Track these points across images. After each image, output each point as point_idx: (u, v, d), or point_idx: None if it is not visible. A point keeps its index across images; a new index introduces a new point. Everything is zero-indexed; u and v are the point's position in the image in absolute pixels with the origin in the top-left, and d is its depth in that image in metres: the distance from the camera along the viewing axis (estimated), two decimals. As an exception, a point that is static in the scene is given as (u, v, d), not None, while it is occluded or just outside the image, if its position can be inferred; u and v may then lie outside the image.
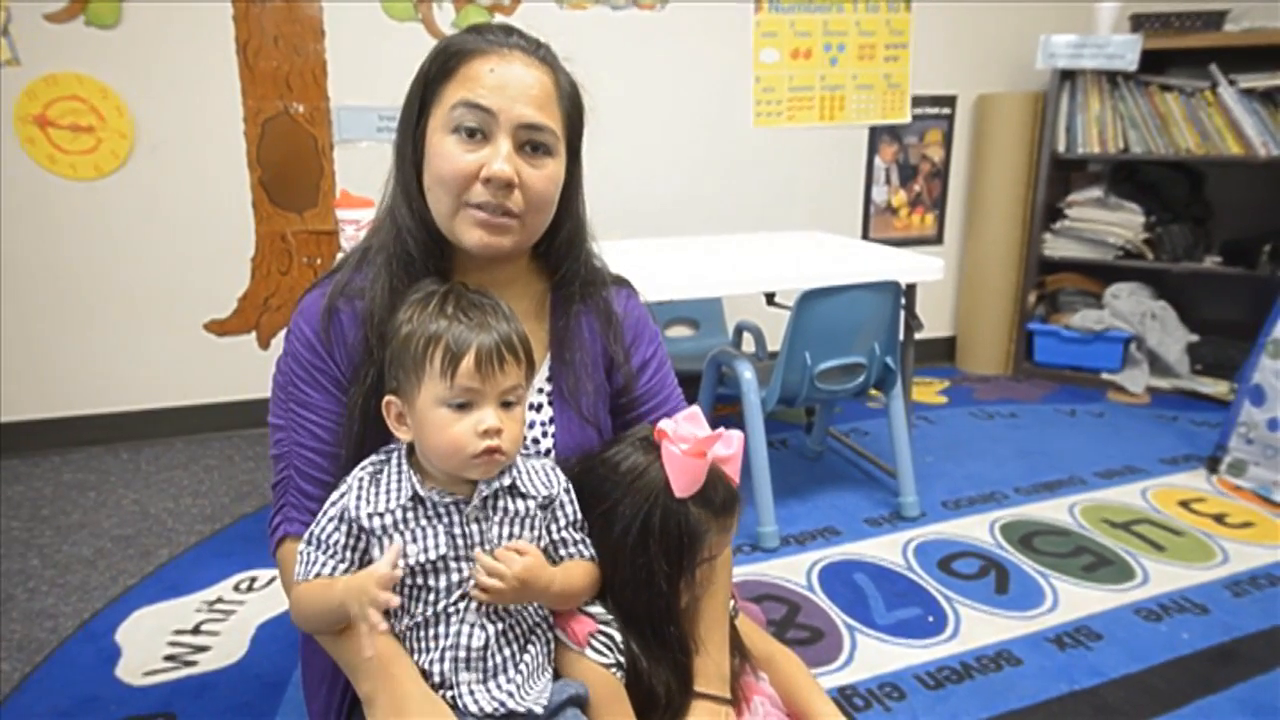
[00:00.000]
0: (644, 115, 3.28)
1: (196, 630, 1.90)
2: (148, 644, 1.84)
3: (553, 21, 3.07)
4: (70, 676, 1.73)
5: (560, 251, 1.09)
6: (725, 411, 2.95)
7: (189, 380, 2.99)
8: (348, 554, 0.91)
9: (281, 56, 2.87)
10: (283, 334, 1.10)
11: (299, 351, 1.01)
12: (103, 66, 2.70)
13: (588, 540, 1.01)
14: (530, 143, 0.97)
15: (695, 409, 1.00)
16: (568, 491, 0.99)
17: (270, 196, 2.95)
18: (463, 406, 0.88)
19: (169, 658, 1.80)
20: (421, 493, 0.90)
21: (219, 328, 3.00)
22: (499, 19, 3.00)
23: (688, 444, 0.95)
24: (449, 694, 0.92)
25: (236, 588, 2.06)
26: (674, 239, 3.05)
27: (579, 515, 1.00)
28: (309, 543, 0.92)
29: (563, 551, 0.99)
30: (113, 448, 2.93)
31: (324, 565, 0.91)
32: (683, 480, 0.96)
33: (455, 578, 0.91)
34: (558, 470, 1.00)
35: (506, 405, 0.91)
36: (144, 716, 1.61)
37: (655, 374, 1.18)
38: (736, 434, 0.99)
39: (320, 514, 0.93)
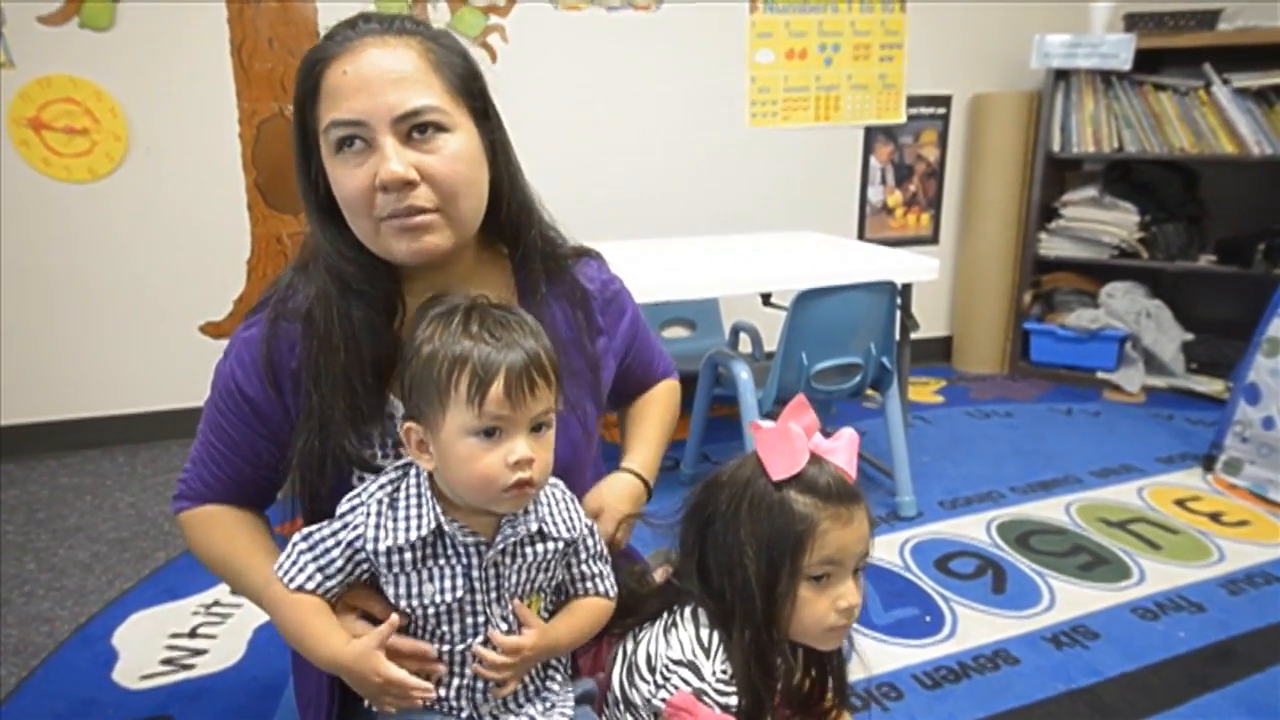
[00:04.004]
0: (639, 115, 3.28)
1: (193, 634, 1.89)
2: (145, 648, 1.84)
3: (548, 22, 3.06)
4: (67, 680, 1.72)
5: (512, 226, 1.01)
6: (722, 412, 2.95)
7: (185, 383, 2.98)
8: (341, 578, 0.87)
9: (276, 58, 2.86)
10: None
11: (234, 373, 0.97)
12: (97, 69, 2.69)
13: (606, 573, 0.97)
14: (415, 128, 0.88)
15: (800, 396, 0.93)
16: (590, 528, 0.96)
17: (266, 199, 2.95)
18: (490, 434, 0.82)
19: (166, 661, 1.79)
20: (446, 528, 0.85)
21: (215, 330, 2.99)
22: (494, 20, 3.00)
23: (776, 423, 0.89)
24: (468, 712, 0.91)
25: (233, 591, 2.06)
26: (670, 239, 3.05)
27: (601, 547, 0.97)
28: (308, 544, 0.87)
29: (581, 585, 0.97)
30: (109, 451, 2.92)
31: (311, 579, 0.87)
32: (775, 460, 0.88)
33: (470, 621, 0.88)
34: (577, 503, 0.96)
35: (536, 429, 0.85)
36: (141, 720, 1.61)
37: (634, 340, 1.19)
38: (846, 430, 0.92)
39: (327, 526, 0.87)
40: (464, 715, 0.92)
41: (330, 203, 0.94)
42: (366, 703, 0.95)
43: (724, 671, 0.89)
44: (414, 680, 0.84)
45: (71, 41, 2.65)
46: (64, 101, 2.68)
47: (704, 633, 0.92)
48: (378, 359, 0.94)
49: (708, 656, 0.90)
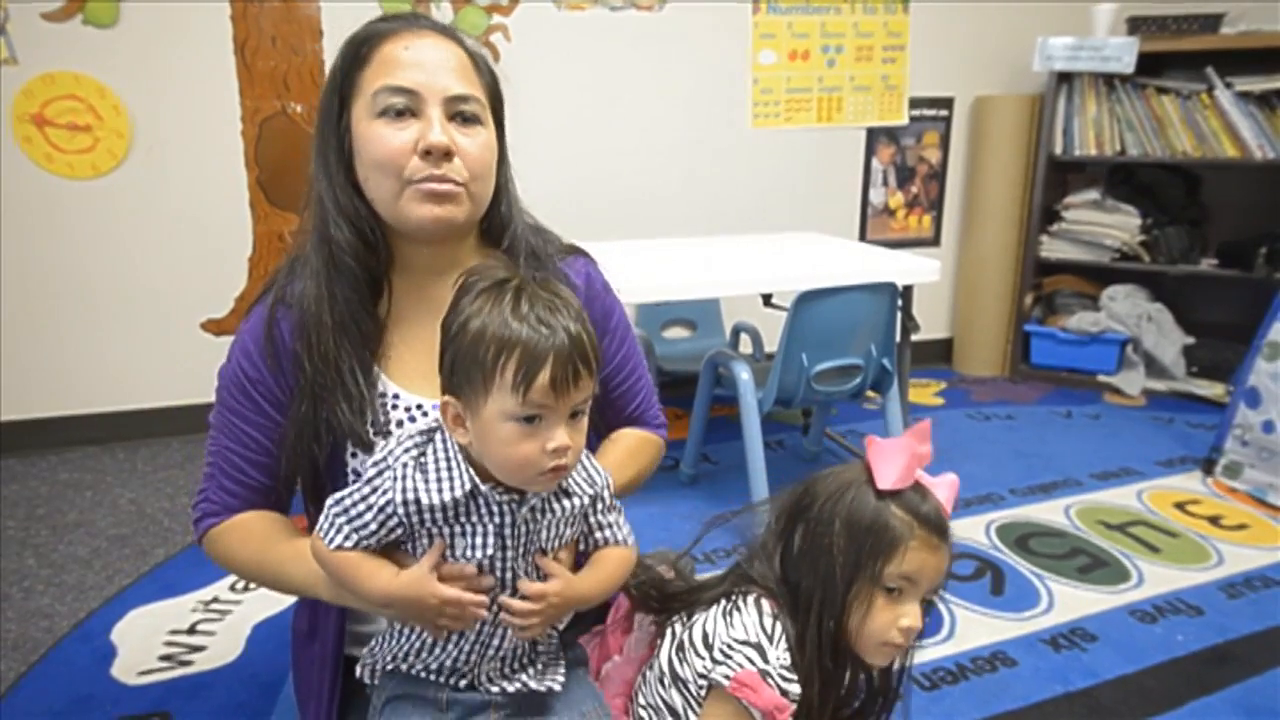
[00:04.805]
0: (642, 116, 3.28)
1: (192, 630, 1.90)
2: (143, 643, 1.84)
3: (551, 22, 3.07)
4: (65, 676, 1.73)
5: (500, 224, 1.08)
6: (722, 413, 2.95)
7: (186, 379, 2.99)
8: (376, 540, 0.88)
9: (279, 56, 2.87)
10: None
11: (240, 364, 1.02)
12: (100, 66, 2.70)
13: (620, 522, 0.99)
14: (460, 114, 0.96)
15: (926, 423, 0.96)
16: (606, 482, 0.98)
17: (268, 196, 2.95)
18: (531, 420, 0.83)
19: (164, 657, 1.79)
20: (483, 488, 0.86)
21: (216, 327, 3.00)
22: (497, 19, 3.01)
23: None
24: (464, 680, 0.93)
25: (232, 587, 2.06)
26: (671, 240, 3.05)
27: (613, 500, 0.99)
28: (341, 508, 0.87)
29: (598, 534, 0.98)
30: (109, 447, 2.92)
31: (349, 539, 0.87)
32: (885, 469, 0.92)
33: (497, 578, 0.89)
34: (591, 456, 0.98)
35: (573, 415, 0.86)
36: (139, 716, 1.61)
37: (621, 347, 1.18)
38: (950, 475, 0.96)
39: (356, 489, 0.87)
40: (463, 684, 0.94)
41: (345, 169, 0.99)
42: (359, 669, 0.97)
43: (786, 659, 0.92)
44: (470, 595, 0.86)
45: (75, 38, 2.66)
46: (67, 98, 2.68)
47: (767, 621, 0.95)
48: (365, 337, 0.99)
49: (771, 643, 0.93)
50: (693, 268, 2.52)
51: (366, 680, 0.97)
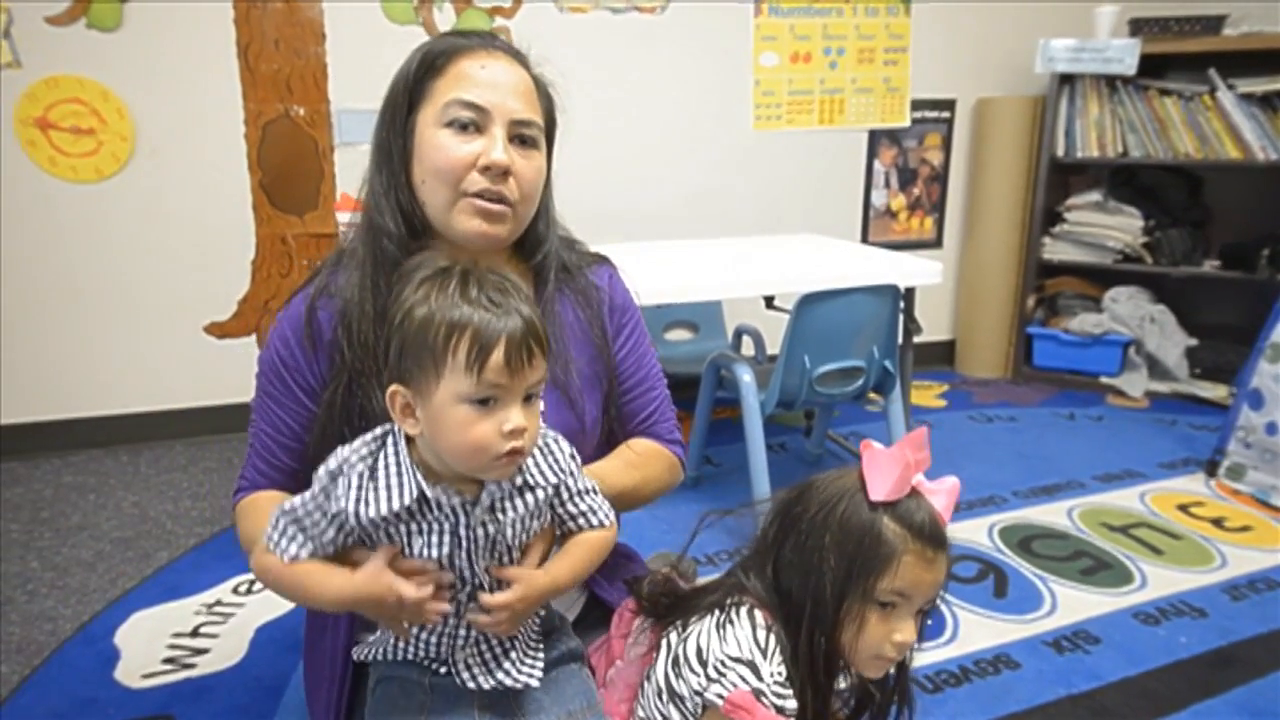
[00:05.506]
0: (644, 118, 3.29)
1: (195, 633, 1.90)
2: (147, 646, 1.84)
3: (553, 24, 3.07)
4: (69, 679, 1.73)
5: (535, 241, 1.11)
6: (724, 415, 2.95)
7: (189, 383, 2.99)
8: (332, 547, 0.87)
9: (282, 59, 2.87)
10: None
11: (277, 349, 1.05)
12: (104, 69, 2.71)
13: (597, 503, 0.97)
14: (520, 136, 1.02)
15: (923, 430, 0.94)
16: (574, 459, 0.96)
17: (271, 199, 2.96)
18: (485, 402, 0.81)
19: (168, 660, 1.80)
20: (430, 494, 0.85)
21: (219, 330, 3.00)
22: (499, 22, 3.01)
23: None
24: (445, 668, 0.94)
25: (236, 590, 2.07)
26: (674, 242, 3.05)
27: (588, 482, 0.97)
28: (291, 517, 0.86)
29: (574, 523, 0.97)
30: (112, 450, 2.93)
31: (304, 547, 0.86)
32: (878, 480, 0.90)
33: (462, 575, 0.88)
34: (560, 440, 0.95)
35: (526, 399, 0.84)
36: (143, 719, 1.61)
37: (634, 352, 1.19)
38: (950, 478, 0.94)
39: (308, 496, 0.86)
40: (442, 670, 0.93)
41: (405, 168, 1.03)
42: (355, 653, 0.97)
43: (780, 674, 0.91)
44: (427, 592, 0.85)
45: (79, 42, 2.66)
46: (71, 101, 2.69)
47: (760, 634, 0.93)
48: None
49: (765, 658, 0.91)
50: (694, 270, 2.52)
51: (364, 659, 0.98)
